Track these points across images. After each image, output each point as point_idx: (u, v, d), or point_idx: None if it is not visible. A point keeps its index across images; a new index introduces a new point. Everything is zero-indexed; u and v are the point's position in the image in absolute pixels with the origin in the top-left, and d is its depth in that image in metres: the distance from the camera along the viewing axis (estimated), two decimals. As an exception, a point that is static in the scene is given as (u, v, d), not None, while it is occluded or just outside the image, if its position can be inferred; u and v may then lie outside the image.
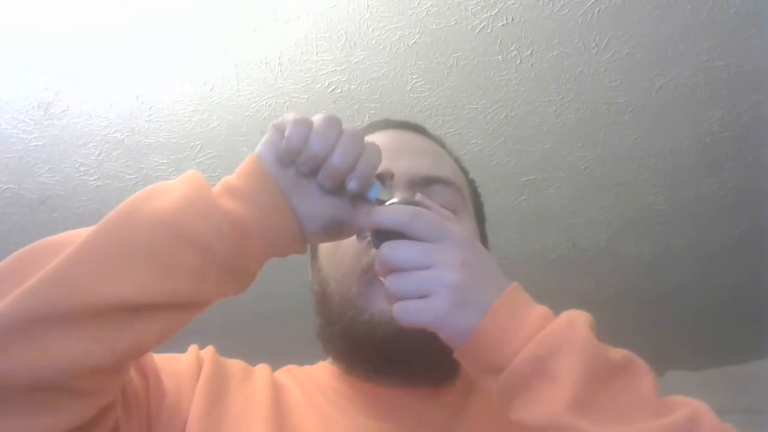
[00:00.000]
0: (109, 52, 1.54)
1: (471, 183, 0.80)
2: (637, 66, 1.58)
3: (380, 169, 0.63)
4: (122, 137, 1.76)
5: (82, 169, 1.86)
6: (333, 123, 0.58)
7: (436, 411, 0.69)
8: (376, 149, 0.59)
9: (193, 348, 0.73)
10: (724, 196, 2.00)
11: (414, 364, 0.67)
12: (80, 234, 0.57)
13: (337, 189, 0.59)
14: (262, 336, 2.36)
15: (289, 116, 0.59)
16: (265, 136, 0.60)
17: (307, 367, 0.76)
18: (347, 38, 1.51)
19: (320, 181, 0.58)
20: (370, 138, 0.76)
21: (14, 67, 1.56)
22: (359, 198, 0.60)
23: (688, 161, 1.87)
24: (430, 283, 0.54)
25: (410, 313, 0.55)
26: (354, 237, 0.68)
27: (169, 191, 0.57)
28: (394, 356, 0.66)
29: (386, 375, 0.69)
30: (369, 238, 0.60)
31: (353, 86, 1.63)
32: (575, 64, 1.57)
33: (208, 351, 0.73)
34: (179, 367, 0.68)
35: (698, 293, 2.48)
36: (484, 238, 0.77)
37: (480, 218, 0.78)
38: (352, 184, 0.58)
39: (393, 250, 0.56)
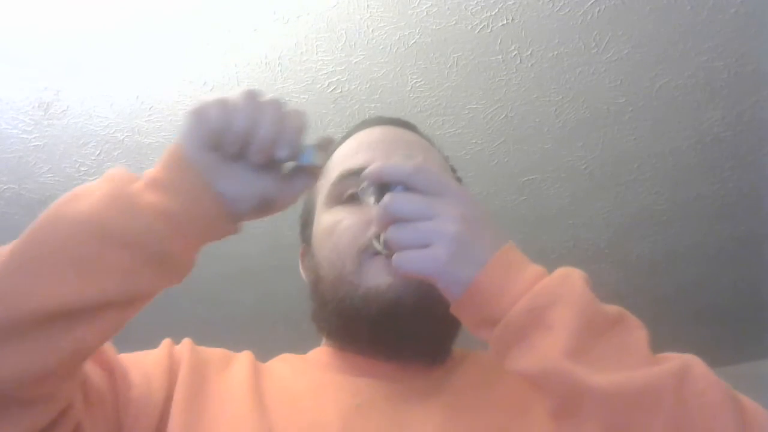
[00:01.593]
0: (109, 52, 1.54)
1: (459, 182, 0.81)
2: (637, 66, 1.58)
3: (374, 159, 0.65)
4: (122, 137, 1.76)
5: (82, 169, 1.86)
6: (251, 96, 0.59)
7: (424, 380, 0.70)
8: (298, 114, 0.59)
9: (165, 342, 0.74)
10: (724, 196, 2.00)
11: (407, 339, 0.67)
12: (5, 248, 0.58)
13: (270, 164, 0.59)
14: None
15: (207, 99, 0.59)
16: (186, 124, 0.60)
17: (302, 355, 0.77)
18: (347, 38, 1.51)
19: (252, 157, 0.58)
20: (362, 134, 0.77)
21: (14, 66, 1.56)
22: (296, 167, 0.61)
23: (688, 161, 1.87)
24: (431, 234, 0.55)
25: (410, 262, 0.56)
26: (351, 219, 0.70)
27: (91, 192, 0.58)
28: (388, 330, 0.67)
29: (379, 350, 0.69)
30: (371, 193, 0.61)
31: (353, 86, 1.63)
32: (575, 64, 1.57)
33: (185, 344, 0.74)
34: (147, 360, 0.70)
35: (698, 293, 2.48)
36: None
37: None
38: (281, 153, 0.58)
39: (396, 201, 0.57)
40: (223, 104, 0.58)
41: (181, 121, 1.72)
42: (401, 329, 0.66)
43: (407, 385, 0.68)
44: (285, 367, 0.74)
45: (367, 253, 0.67)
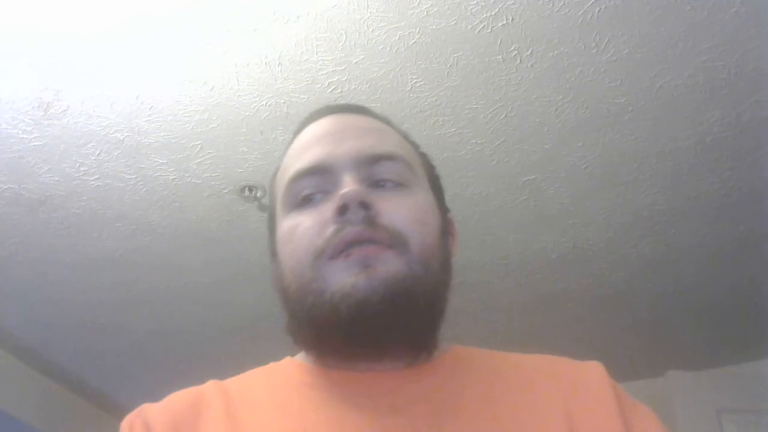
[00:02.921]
0: (110, 52, 1.54)
1: (424, 156, 0.78)
2: (637, 66, 1.58)
3: (324, 154, 0.68)
4: (122, 137, 1.76)
5: (82, 169, 1.86)
6: None
7: (418, 391, 0.66)
8: None
9: (122, 428, 0.69)
10: (724, 196, 2.00)
11: (384, 336, 0.64)
12: None
13: None
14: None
15: None
16: None
17: (272, 366, 0.73)
18: (347, 38, 1.51)
19: None
20: (312, 126, 0.74)
21: (14, 66, 1.56)
22: None
23: (688, 161, 1.87)
24: None
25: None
26: (307, 222, 0.67)
27: None
28: (362, 332, 0.64)
29: (359, 356, 0.66)
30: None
31: (353, 86, 1.63)
32: (575, 64, 1.57)
33: (138, 416, 0.69)
34: None
35: (698, 293, 2.48)
36: (442, 208, 0.76)
37: (436, 189, 0.77)
38: None
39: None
40: None
41: (181, 121, 1.72)
42: (375, 328, 0.63)
43: (394, 397, 0.65)
44: (263, 394, 0.69)
45: (325, 255, 0.64)
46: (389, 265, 0.63)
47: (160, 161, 1.84)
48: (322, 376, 0.68)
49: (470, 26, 1.49)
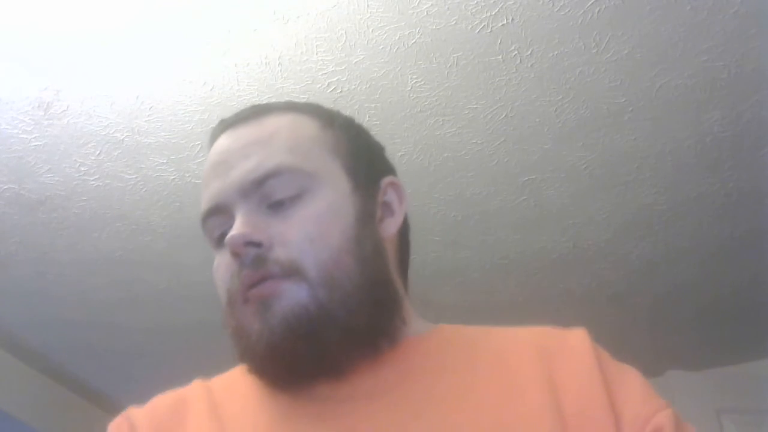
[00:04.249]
0: (110, 51, 1.54)
1: (343, 133, 0.74)
2: (637, 66, 1.58)
3: (217, 191, 0.67)
4: (122, 137, 1.76)
5: (82, 169, 1.86)
6: None
7: (380, 382, 0.66)
8: None
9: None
10: (724, 196, 2.00)
11: (315, 361, 0.64)
12: None
13: None
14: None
15: None
16: None
17: (229, 376, 0.73)
18: (347, 38, 1.51)
19: None
20: (211, 152, 0.73)
21: (14, 66, 1.56)
22: None
23: (688, 161, 1.87)
24: None
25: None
26: (221, 265, 0.68)
27: None
28: (290, 365, 0.64)
29: (302, 378, 0.66)
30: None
31: (353, 86, 1.63)
32: (575, 64, 1.57)
33: (125, 420, 0.70)
34: None
35: (698, 293, 2.48)
36: (365, 188, 0.71)
37: (359, 168, 0.72)
38: None
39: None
40: None
41: (181, 121, 1.72)
42: (300, 360, 0.63)
43: (352, 390, 0.65)
44: (244, 397, 0.69)
45: (236, 302, 0.65)
46: (285, 301, 0.62)
47: (160, 161, 1.84)
48: (282, 402, 0.68)
49: (470, 26, 1.49)
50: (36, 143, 1.77)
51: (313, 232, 0.65)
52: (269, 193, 0.66)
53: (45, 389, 2.89)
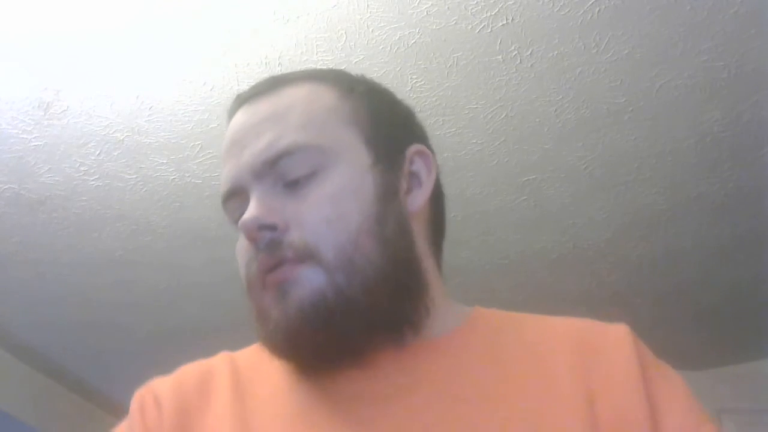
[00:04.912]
0: (110, 52, 1.54)
1: (364, 101, 0.69)
2: (637, 66, 1.58)
3: (233, 173, 0.65)
4: (122, 137, 1.76)
5: (82, 169, 1.86)
6: None
7: (412, 378, 0.63)
8: None
9: (132, 410, 0.68)
10: (724, 196, 2.00)
11: (333, 347, 0.61)
12: None
13: None
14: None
15: None
16: None
17: (256, 350, 0.70)
18: (347, 38, 1.51)
19: None
20: (229, 129, 0.69)
21: (14, 66, 1.56)
22: None
23: (688, 161, 1.87)
24: None
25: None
26: (241, 246, 0.65)
27: None
28: (311, 352, 0.62)
29: (324, 363, 0.63)
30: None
31: (353, 86, 1.63)
32: (575, 64, 1.57)
33: (149, 392, 0.68)
34: None
35: (698, 293, 2.48)
36: (386, 159, 0.67)
37: (381, 138, 0.68)
38: None
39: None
40: None
41: (181, 121, 1.72)
42: (319, 347, 0.61)
43: (385, 386, 0.62)
44: (269, 377, 0.67)
45: (255, 288, 0.63)
46: (301, 288, 0.60)
47: (160, 161, 1.84)
48: (305, 384, 0.66)
49: (470, 26, 1.49)
50: (36, 143, 1.77)
51: (330, 213, 0.61)
52: (283, 172, 0.63)
53: (45, 389, 2.89)
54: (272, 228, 0.61)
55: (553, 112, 1.71)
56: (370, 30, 1.49)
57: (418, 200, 0.68)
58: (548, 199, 2.02)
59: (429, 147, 0.72)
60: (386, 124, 0.69)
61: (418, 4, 1.44)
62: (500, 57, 1.56)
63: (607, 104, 1.69)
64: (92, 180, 1.90)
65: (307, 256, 0.60)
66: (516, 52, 1.55)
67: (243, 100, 0.70)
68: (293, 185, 0.63)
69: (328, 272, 0.60)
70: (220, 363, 0.70)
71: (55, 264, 2.23)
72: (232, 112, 0.71)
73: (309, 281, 0.59)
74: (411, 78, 1.61)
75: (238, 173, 0.65)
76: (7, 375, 2.70)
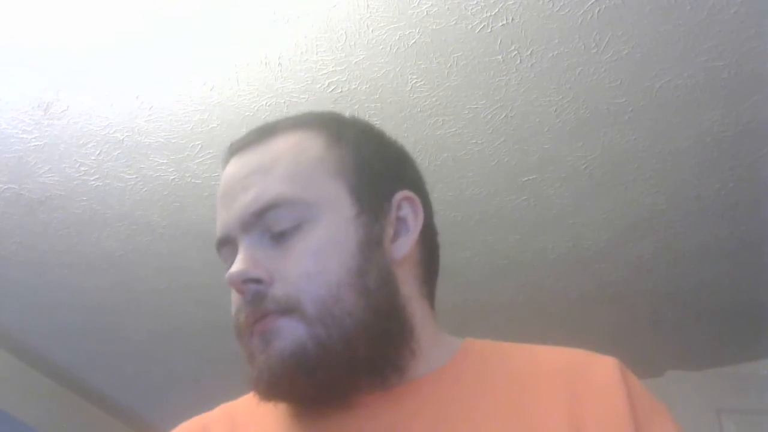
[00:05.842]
0: (110, 52, 1.54)
1: (351, 150, 0.71)
2: (637, 66, 1.58)
3: (223, 224, 0.68)
4: (122, 137, 1.76)
5: (82, 169, 1.86)
6: None
7: (397, 419, 0.65)
8: None
9: None
10: (724, 196, 2.00)
11: (318, 394, 0.64)
12: None
13: None
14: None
15: None
16: None
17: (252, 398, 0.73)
18: (347, 38, 1.51)
19: None
20: (222, 180, 0.72)
21: (14, 67, 1.56)
22: None
23: (688, 161, 1.87)
24: None
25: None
26: (232, 300, 0.67)
27: None
28: (296, 397, 0.65)
29: (310, 405, 0.67)
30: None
31: (353, 86, 1.63)
32: (575, 64, 1.57)
33: None
34: None
35: (698, 293, 2.48)
36: (372, 210, 0.69)
37: (367, 187, 0.69)
38: None
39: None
40: None
41: (181, 121, 1.72)
42: (302, 394, 0.64)
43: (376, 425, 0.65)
44: (265, 425, 0.70)
45: (244, 336, 0.66)
46: (282, 338, 0.62)
47: (160, 161, 1.84)
48: (295, 415, 0.69)
49: (470, 26, 1.49)
50: (36, 143, 1.77)
51: (311, 268, 0.64)
52: (269, 224, 0.66)
53: (45, 389, 2.89)
54: (257, 281, 0.64)
55: (553, 112, 1.71)
56: (370, 30, 1.49)
57: (404, 247, 0.70)
58: (548, 199, 2.01)
59: (421, 188, 0.75)
60: (373, 173, 0.71)
61: (418, 4, 1.44)
62: (500, 57, 1.56)
63: (607, 104, 1.69)
64: (92, 180, 1.90)
65: (289, 309, 0.63)
66: (516, 52, 1.55)
67: (234, 150, 0.73)
68: (279, 237, 0.65)
69: (309, 325, 0.62)
70: (216, 416, 0.73)
71: (55, 264, 2.22)
72: (225, 162, 0.73)
73: (290, 333, 0.62)
74: (411, 78, 1.61)
75: (229, 224, 0.68)
76: (7, 375, 2.70)
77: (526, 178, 1.94)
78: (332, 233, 0.66)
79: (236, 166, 0.71)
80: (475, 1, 1.44)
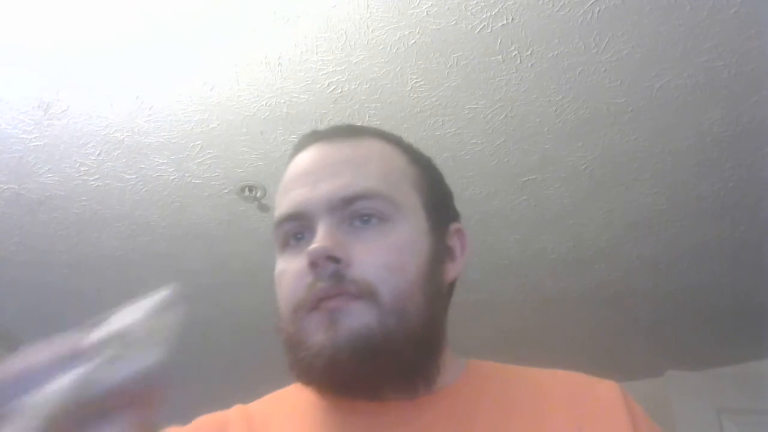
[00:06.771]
0: (110, 52, 1.54)
1: (423, 172, 0.76)
2: (637, 66, 1.58)
3: (301, 199, 0.68)
4: (122, 137, 1.76)
5: (82, 169, 1.86)
6: None
7: (420, 428, 0.67)
8: None
9: None
10: (724, 196, 2.00)
11: (362, 385, 0.66)
12: None
13: None
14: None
15: None
16: None
17: (293, 388, 0.73)
18: (347, 38, 1.51)
19: None
20: (298, 159, 0.73)
21: (14, 67, 1.56)
22: None
23: (688, 161, 1.87)
24: None
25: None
26: (291, 270, 0.67)
27: None
28: (339, 383, 0.66)
29: (349, 396, 0.68)
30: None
31: (353, 86, 1.63)
32: (575, 64, 1.57)
33: None
34: None
35: (698, 293, 2.48)
36: (439, 230, 0.74)
37: (436, 209, 0.74)
38: None
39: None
40: None
41: (181, 121, 1.72)
42: (350, 381, 0.65)
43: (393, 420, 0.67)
44: (284, 424, 0.71)
45: (303, 310, 0.66)
46: (353, 320, 0.63)
47: (160, 161, 1.84)
48: (334, 404, 0.70)
49: (470, 26, 1.49)
50: (36, 143, 1.77)
51: (393, 261, 0.66)
52: (356, 213, 0.67)
53: (45, 389, 2.88)
54: (337, 260, 0.65)
55: (553, 112, 1.71)
56: (370, 30, 1.49)
57: (451, 273, 0.74)
58: (548, 199, 2.02)
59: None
60: (440, 198, 0.77)
61: (418, 4, 1.44)
62: (500, 57, 1.56)
63: (607, 104, 1.69)
64: (92, 180, 1.90)
65: (366, 293, 0.64)
66: (516, 52, 1.55)
67: (319, 137, 0.75)
68: (361, 227, 0.67)
69: (382, 313, 0.64)
70: (234, 414, 0.73)
71: (55, 264, 2.23)
72: (302, 146, 0.75)
73: (362, 316, 0.63)
74: (411, 78, 1.61)
75: (310, 201, 0.68)
76: (7, 375, 2.70)
77: (526, 178, 1.94)
78: (412, 236, 0.69)
79: (323, 151, 0.72)
80: (475, 1, 1.44)
